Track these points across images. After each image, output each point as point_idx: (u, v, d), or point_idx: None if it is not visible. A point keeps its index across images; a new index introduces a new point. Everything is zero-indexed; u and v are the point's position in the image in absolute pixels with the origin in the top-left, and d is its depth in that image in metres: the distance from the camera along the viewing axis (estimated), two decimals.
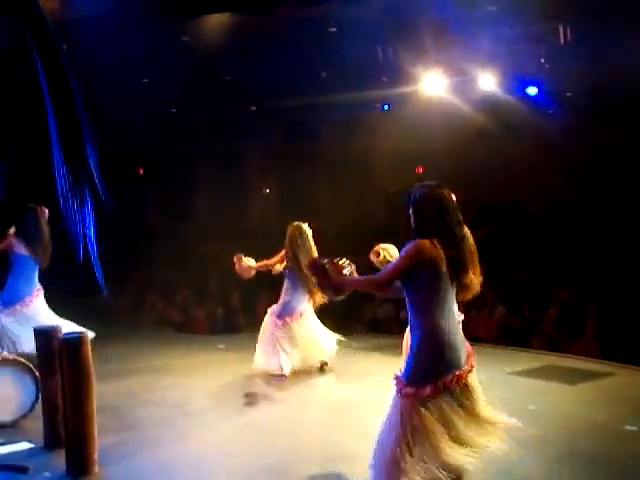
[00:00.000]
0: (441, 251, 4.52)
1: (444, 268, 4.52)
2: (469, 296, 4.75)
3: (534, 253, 13.64)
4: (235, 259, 9.45)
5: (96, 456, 5.77)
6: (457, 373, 4.53)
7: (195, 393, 8.40)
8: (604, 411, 7.43)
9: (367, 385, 8.50)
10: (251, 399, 8.22)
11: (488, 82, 13.12)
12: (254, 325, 12.50)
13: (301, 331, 9.25)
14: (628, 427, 6.84)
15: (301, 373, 9.21)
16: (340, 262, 4.88)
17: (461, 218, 4.69)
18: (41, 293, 9.37)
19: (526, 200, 15.02)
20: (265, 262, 9.43)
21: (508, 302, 12.31)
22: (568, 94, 14.07)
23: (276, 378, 8.98)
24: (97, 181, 10.64)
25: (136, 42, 12.33)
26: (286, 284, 9.35)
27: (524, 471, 5.72)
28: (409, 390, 4.52)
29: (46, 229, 9.38)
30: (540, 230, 14.18)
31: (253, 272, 9.53)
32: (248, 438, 6.77)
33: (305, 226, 9.25)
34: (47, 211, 9.42)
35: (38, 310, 9.22)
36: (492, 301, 12.28)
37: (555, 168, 13.93)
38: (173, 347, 11.17)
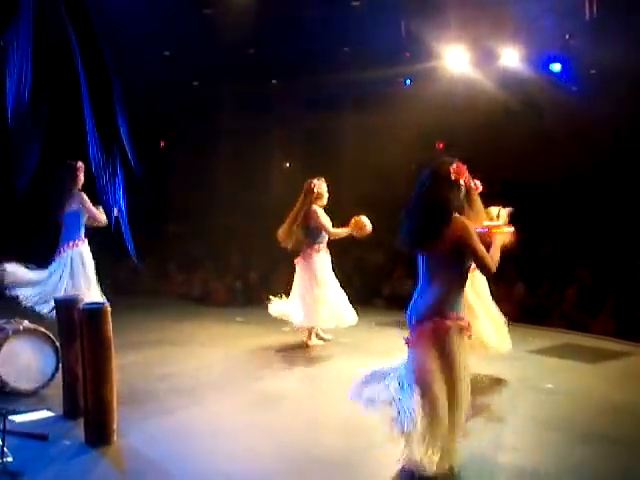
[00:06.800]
0: None
1: None
2: None
3: (556, 231, 13.55)
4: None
5: (115, 426, 5.82)
6: None
7: (213, 365, 8.46)
8: (623, 391, 7.42)
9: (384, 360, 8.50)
10: (269, 371, 8.24)
11: (511, 58, 12.99)
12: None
13: None
14: None
15: (317, 347, 9.28)
16: None
17: None
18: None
19: (549, 177, 14.89)
20: None
21: (528, 280, 12.26)
22: (592, 71, 13.91)
23: (293, 350, 9.13)
24: (128, 151, 10.73)
25: (158, 15, 12.29)
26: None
27: (541, 451, 5.72)
28: None
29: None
30: (563, 208, 14.07)
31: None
32: (266, 410, 6.81)
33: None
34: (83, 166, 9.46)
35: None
36: (512, 278, 12.23)
37: (578, 146, 13.79)
38: (192, 319, 11.20)
